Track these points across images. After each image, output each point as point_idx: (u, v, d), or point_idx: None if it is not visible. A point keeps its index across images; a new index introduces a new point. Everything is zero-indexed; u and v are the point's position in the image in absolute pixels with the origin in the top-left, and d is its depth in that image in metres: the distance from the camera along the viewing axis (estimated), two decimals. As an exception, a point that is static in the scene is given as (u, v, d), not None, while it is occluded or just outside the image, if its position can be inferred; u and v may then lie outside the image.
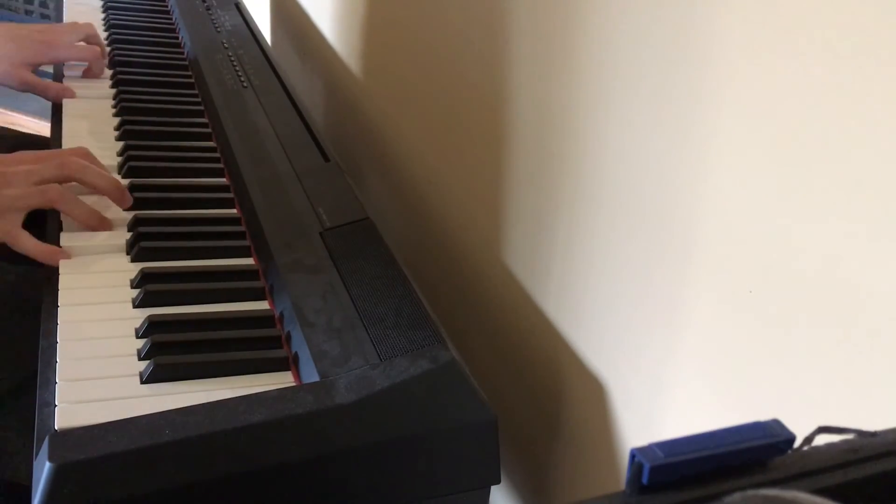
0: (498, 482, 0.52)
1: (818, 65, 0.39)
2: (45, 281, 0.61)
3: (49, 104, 0.91)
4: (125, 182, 0.74)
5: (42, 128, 2.04)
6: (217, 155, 0.82)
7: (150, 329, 0.56)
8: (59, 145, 0.80)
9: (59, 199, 0.66)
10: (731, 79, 0.44)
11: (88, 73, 0.96)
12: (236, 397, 0.47)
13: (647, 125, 0.51)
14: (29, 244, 0.63)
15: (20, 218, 0.64)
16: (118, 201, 0.70)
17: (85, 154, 0.71)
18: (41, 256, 0.63)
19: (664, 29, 0.48)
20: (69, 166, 0.68)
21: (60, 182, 0.67)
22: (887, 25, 0.35)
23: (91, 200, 0.69)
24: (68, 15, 1.16)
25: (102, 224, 0.68)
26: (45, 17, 2.12)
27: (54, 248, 0.64)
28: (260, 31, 1.12)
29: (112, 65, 1.00)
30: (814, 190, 0.40)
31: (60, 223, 0.67)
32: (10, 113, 2.18)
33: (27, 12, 2.13)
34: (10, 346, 0.68)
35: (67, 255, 0.64)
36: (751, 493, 0.20)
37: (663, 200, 0.51)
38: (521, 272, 0.70)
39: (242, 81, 0.94)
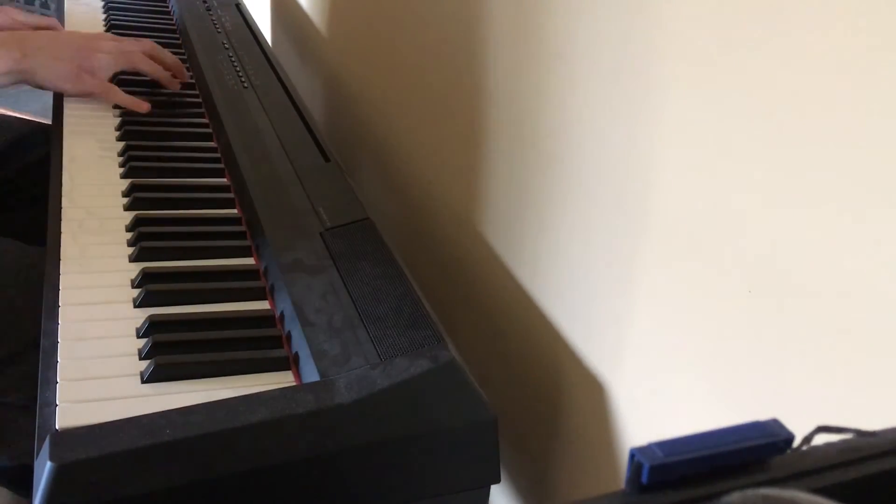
0: (498, 481, 0.52)
1: (818, 63, 0.39)
2: (46, 279, 0.61)
3: (50, 104, 0.91)
4: (125, 182, 0.74)
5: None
6: (217, 155, 0.82)
7: (150, 329, 0.56)
8: (60, 146, 0.80)
9: (140, 61, 0.88)
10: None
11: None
12: (237, 397, 0.47)
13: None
14: (120, 96, 0.85)
15: (110, 76, 0.86)
16: (181, 75, 0.94)
17: (153, 45, 0.92)
18: (132, 105, 0.85)
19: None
20: (144, 43, 0.90)
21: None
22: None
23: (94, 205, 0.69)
24: (69, 15, 1.16)
25: (172, 83, 0.92)
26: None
27: (141, 101, 0.86)
28: (260, 31, 1.12)
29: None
30: (813, 189, 0.40)
31: (60, 223, 0.68)
32: (10, 113, 2.18)
33: (28, 12, 2.14)
34: (9, 318, 0.70)
35: (149, 108, 0.86)
36: (750, 492, 0.20)
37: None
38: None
39: (243, 81, 0.94)
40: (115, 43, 0.88)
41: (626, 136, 0.54)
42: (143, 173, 0.77)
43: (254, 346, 0.56)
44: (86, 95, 0.85)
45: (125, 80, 0.95)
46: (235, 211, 0.74)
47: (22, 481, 0.69)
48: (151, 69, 0.89)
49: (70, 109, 0.88)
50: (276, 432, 0.46)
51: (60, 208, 0.70)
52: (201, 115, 0.90)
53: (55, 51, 0.83)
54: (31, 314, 0.68)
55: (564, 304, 0.65)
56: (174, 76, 0.93)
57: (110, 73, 0.86)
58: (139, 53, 0.89)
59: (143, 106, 0.86)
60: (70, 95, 0.87)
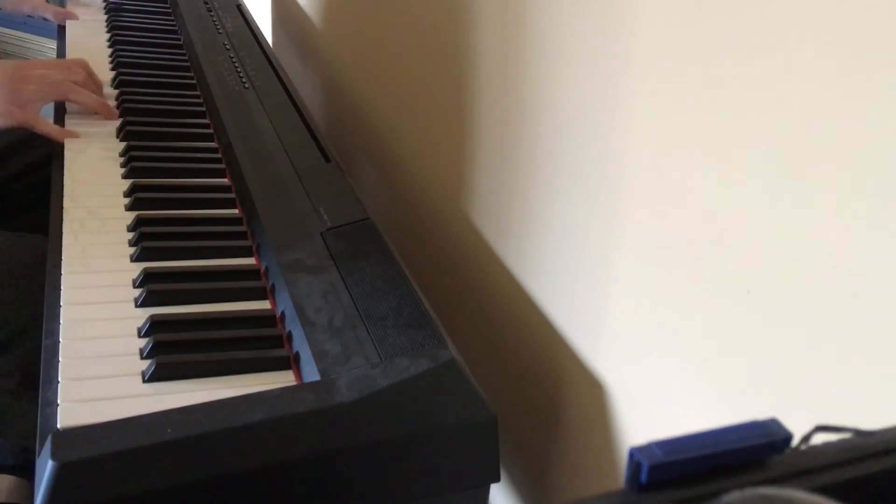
0: (498, 480, 0.52)
1: (818, 61, 0.39)
2: (48, 279, 0.62)
3: (51, 108, 0.91)
4: (127, 182, 0.74)
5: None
6: (219, 155, 0.82)
7: (152, 328, 0.56)
8: (62, 147, 0.81)
9: (70, 91, 0.84)
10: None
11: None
12: (237, 396, 0.47)
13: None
14: (47, 127, 0.82)
15: (39, 108, 0.83)
16: (106, 116, 0.87)
17: (84, 65, 0.89)
18: (56, 135, 0.82)
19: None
20: (74, 71, 0.86)
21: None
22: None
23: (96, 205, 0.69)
24: (55, 19, 1.16)
25: (107, 111, 0.87)
26: (46, 18, 2.13)
27: (67, 130, 0.83)
28: (261, 32, 1.12)
29: (114, 66, 1.00)
30: (813, 189, 0.40)
31: (62, 223, 0.68)
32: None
33: (28, 14, 2.14)
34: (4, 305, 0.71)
35: (76, 135, 0.82)
36: (749, 491, 0.20)
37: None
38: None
39: (244, 82, 0.94)
40: (43, 72, 0.85)
41: (625, 135, 0.54)
42: (144, 174, 0.77)
43: (254, 345, 0.57)
44: (14, 125, 0.82)
45: (126, 80, 0.95)
46: (236, 211, 0.74)
47: (26, 466, 0.70)
48: (82, 99, 0.86)
49: (72, 109, 0.89)
50: (276, 432, 0.46)
51: (62, 208, 0.70)
52: (202, 116, 0.90)
53: None
54: (18, 303, 0.69)
55: (565, 306, 0.65)
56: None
57: (40, 106, 0.83)
58: (68, 83, 0.85)
59: (64, 135, 0.82)
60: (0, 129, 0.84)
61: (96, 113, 0.87)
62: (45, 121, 0.83)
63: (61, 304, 0.58)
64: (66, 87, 0.85)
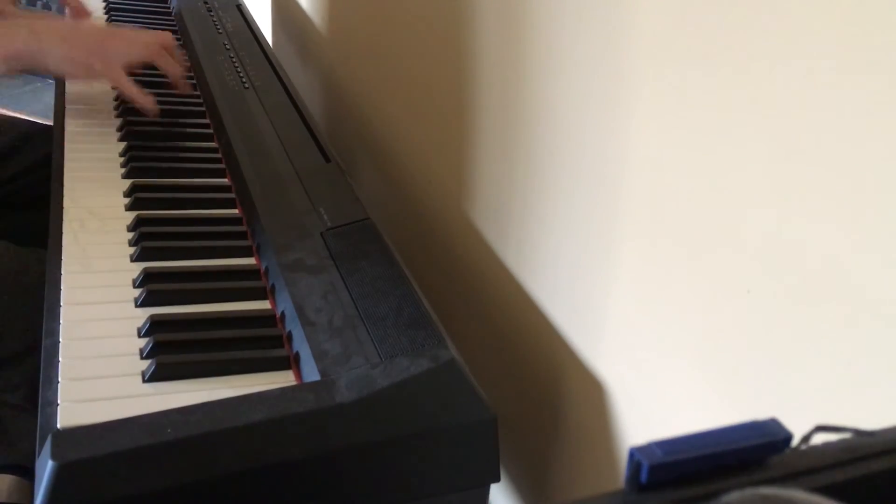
0: (497, 480, 0.52)
1: (816, 59, 0.39)
2: (48, 279, 0.62)
3: (51, 104, 0.91)
4: (127, 182, 0.74)
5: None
6: (218, 155, 0.82)
7: (152, 328, 0.56)
8: (62, 148, 0.81)
9: (159, 55, 0.84)
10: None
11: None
12: (238, 396, 0.48)
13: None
14: (133, 89, 0.81)
15: (126, 66, 0.81)
16: (184, 90, 0.89)
17: (172, 38, 0.88)
18: (140, 99, 0.81)
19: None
20: (164, 37, 0.86)
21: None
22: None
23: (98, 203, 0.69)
24: (70, 16, 1.16)
25: (186, 87, 0.89)
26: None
27: (149, 97, 0.82)
28: (261, 32, 1.12)
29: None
30: (813, 189, 0.40)
31: (62, 222, 0.68)
32: (10, 113, 2.18)
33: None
34: (7, 320, 0.70)
35: (156, 109, 0.83)
36: (749, 491, 0.20)
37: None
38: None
39: (244, 82, 0.94)
40: (133, 33, 0.84)
41: (624, 136, 0.54)
42: (144, 173, 0.77)
43: (254, 345, 0.57)
44: (94, 79, 0.82)
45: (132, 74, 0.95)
46: (236, 211, 0.74)
47: (28, 469, 0.70)
48: (168, 66, 0.85)
49: (72, 109, 0.89)
50: (276, 432, 0.46)
51: (62, 208, 0.70)
52: (202, 116, 0.90)
53: (66, 34, 0.79)
54: (24, 319, 0.69)
55: (565, 305, 0.65)
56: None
57: (124, 62, 0.81)
58: (157, 46, 0.84)
59: (148, 102, 0.82)
60: (76, 80, 0.84)
61: (176, 86, 0.87)
62: (128, 81, 0.81)
63: (61, 303, 0.58)
64: (155, 49, 0.83)
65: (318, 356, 0.53)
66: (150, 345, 0.55)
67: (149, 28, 1.13)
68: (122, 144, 0.82)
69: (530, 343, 0.70)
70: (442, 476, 0.50)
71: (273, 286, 0.62)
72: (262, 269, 0.65)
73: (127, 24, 1.14)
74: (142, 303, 0.59)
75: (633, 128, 0.53)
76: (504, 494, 0.78)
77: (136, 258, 0.65)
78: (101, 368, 0.53)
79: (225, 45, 1.05)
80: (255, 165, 0.76)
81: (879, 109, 0.36)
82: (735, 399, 0.47)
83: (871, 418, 0.37)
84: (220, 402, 0.47)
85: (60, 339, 0.55)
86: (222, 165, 0.81)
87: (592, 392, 0.61)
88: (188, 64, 0.92)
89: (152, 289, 0.60)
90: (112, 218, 0.70)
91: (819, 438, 0.25)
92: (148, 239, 0.66)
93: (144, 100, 0.82)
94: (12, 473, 0.68)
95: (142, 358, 0.54)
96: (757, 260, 0.44)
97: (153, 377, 0.52)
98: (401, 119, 0.95)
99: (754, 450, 0.23)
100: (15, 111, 2.18)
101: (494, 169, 0.73)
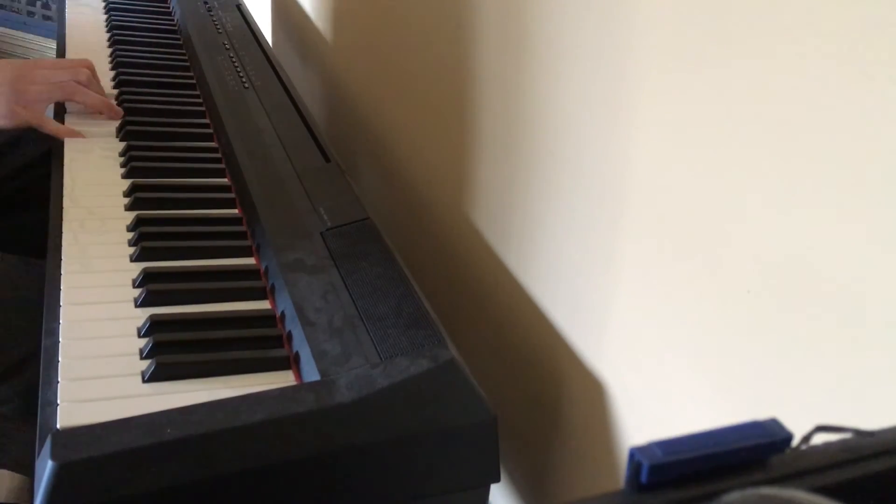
0: (497, 480, 0.52)
1: (816, 59, 0.39)
2: (48, 278, 0.62)
3: (52, 107, 0.91)
4: (127, 182, 0.74)
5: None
6: (218, 155, 0.82)
7: (151, 328, 0.56)
8: (62, 148, 0.81)
9: (74, 91, 0.85)
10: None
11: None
12: (237, 396, 0.47)
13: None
14: (53, 127, 0.82)
15: (44, 108, 0.83)
16: (111, 116, 0.87)
17: (89, 65, 0.88)
18: (63, 134, 0.82)
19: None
20: (78, 71, 0.86)
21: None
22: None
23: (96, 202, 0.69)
24: (70, 16, 1.16)
25: (112, 111, 0.87)
26: (47, 18, 2.13)
27: (72, 129, 0.83)
28: (261, 32, 1.12)
29: (114, 66, 1.00)
30: (814, 190, 0.40)
31: (62, 222, 0.68)
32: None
33: (29, 13, 2.14)
34: (4, 334, 0.70)
35: (81, 135, 0.83)
36: (749, 491, 0.20)
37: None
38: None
39: (244, 82, 0.94)
40: (48, 72, 0.85)
41: (625, 134, 0.54)
42: (144, 173, 0.77)
43: (254, 345, 0.57)
44: (21, 126, 0.82)
45: (126, 80, 0.95)
46: (236, 211, 0.74)
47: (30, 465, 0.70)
48: (87, 100, 0.85)
49: (72, 109, 0.89)
50: (276, 432, 0.46)
51: (62, 208, 0.70)
52: (202, 116, 0.90)
53: None
54: (25, 331, 0.69)
55: (566, 305, 0.65)
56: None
57: (45, 106, 0.83)
58: (73, 84, 0.85)
59: (70, 134, 0.82)
60: (5, 129, 0.84)
61: (101, 113, 0.87)
62: (50, 120, 0.83)
63: (61, 303, 0.58)
64: (70, 87, 0.85)
65: (318, 356, 0.53)
66: (150, 345, 0.54)
67: (149, 28, 1.13)
68: (122, 144, 0.82)
69: (531, 343, 0.70)
70: (442, 476, 0.50)
71: (273, 286, 0.62)
72: (262, 269, 0.65)
73: (127, 23, 1.14)
74: (141, 303, 0.59)
75: (634, 128, 0.53)
76: (504, 494, 0.78)
77: (135, 258, 0.65)
78: (101, 368, 0.53)
79: (225, 45, 1.05)
80: (255, 165, 0.76)
81: (880, 111, 0.36)
82: (735, 399, 0.47)
83: (871, 418, 0.37)
84: (220, 402, 0.47)
85: (60, 339, 0.55)
86: (222, 165, 0.81)
87: (593, 392, 0.61)
88: (104, 92, 0.90)
89: (152, 289, 0.60)
90: (112, 218, 0.70)
91: (819, 438, 0.25)
92: (148, 239, 0.66)
93: (70, 132, 0.83)
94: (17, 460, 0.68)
95: (141, 358, 0.54)
96: (757, 260, 0.44)
97: (153, 377, 0.52)
98: (401, 119, 0.95)
99: (754, 450, 0.23)
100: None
101: (495, 169, 0.73)
